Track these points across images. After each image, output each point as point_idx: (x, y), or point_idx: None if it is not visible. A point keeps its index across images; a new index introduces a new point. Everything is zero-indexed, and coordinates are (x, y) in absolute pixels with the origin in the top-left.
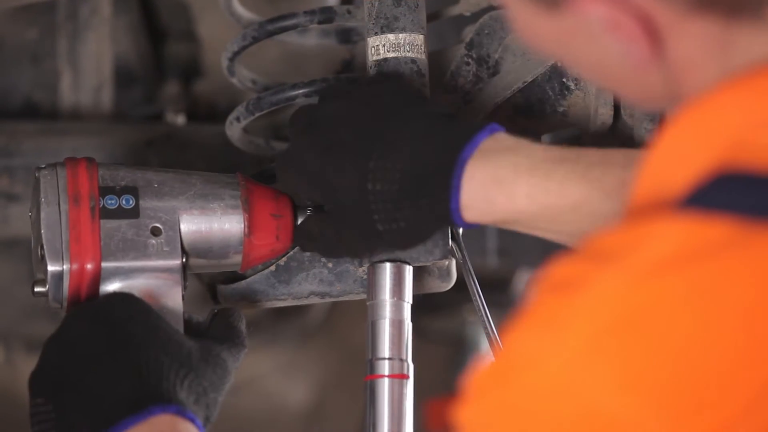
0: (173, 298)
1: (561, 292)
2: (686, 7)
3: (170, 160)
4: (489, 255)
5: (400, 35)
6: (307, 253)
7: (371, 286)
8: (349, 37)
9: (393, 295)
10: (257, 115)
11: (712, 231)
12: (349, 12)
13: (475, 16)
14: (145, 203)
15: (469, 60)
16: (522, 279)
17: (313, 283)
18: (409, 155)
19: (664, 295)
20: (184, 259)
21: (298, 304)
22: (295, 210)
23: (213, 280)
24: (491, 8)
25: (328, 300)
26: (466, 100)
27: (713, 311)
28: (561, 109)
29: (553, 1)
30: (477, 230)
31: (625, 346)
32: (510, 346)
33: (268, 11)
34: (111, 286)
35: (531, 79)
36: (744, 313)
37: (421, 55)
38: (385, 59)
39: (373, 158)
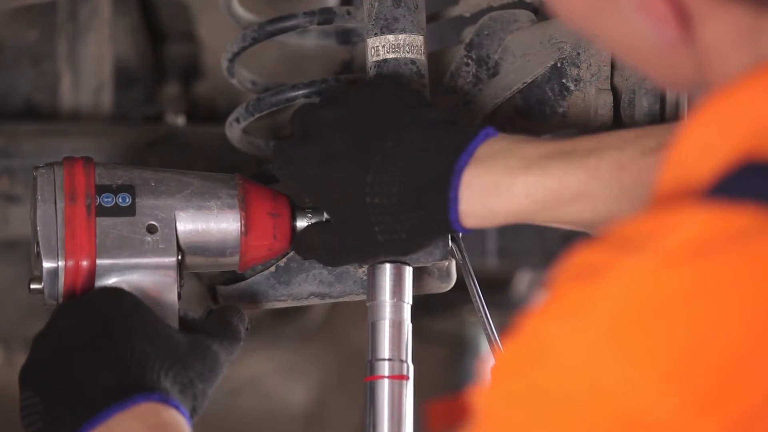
0: (169, 295)
1: (584, 280)
2: None
3: (170, 161)
4: (489, 255)
5: (400, 36)
6: None
7: (371, 287)
8: (348, 38)
9: (393, 296)
10: (257, 116)
11: (737, 219)
12: (348, 13)
13: (475, 17)
14: (142, 201)
15: (469, 61)
16: (522, 279)
17: (313, 284)
18: (406, 168)
19: (689, 283)
20: (179, 257)
21: (298, 305)
22: (294, 210)
23: (213, 281)
24: (491, 9)
25: (327, 301)
26: (465, 100)
27: (738, 298)
28: (561, 109)
29: None
30: (477, 231)
31: (649, 333)
32: (532, 333)
33: (268, 12)
34: (106, 283)
35: (531, 80)
36: None
37: (420, 56)
38: (385, 60)
39: (371, 172)
